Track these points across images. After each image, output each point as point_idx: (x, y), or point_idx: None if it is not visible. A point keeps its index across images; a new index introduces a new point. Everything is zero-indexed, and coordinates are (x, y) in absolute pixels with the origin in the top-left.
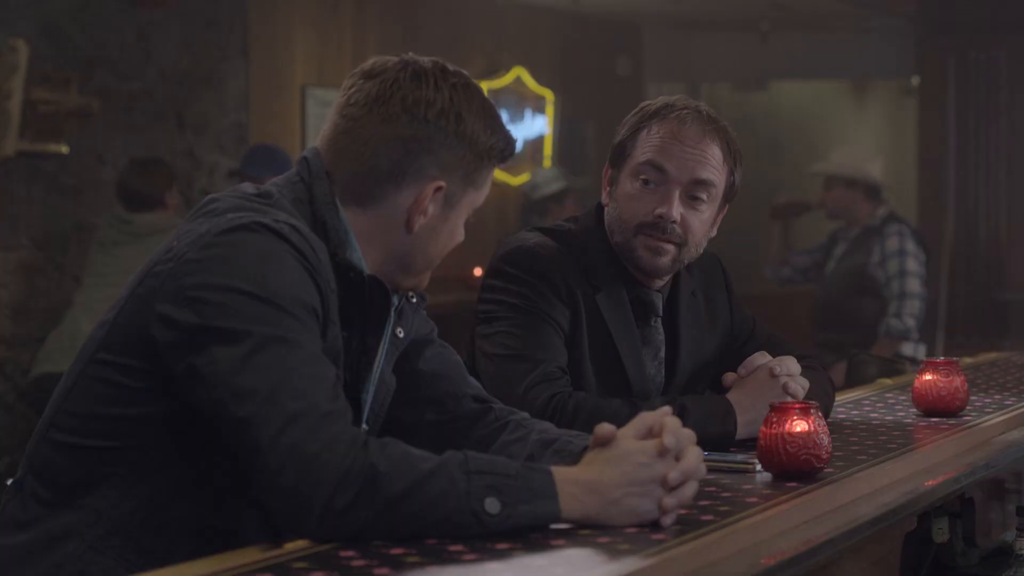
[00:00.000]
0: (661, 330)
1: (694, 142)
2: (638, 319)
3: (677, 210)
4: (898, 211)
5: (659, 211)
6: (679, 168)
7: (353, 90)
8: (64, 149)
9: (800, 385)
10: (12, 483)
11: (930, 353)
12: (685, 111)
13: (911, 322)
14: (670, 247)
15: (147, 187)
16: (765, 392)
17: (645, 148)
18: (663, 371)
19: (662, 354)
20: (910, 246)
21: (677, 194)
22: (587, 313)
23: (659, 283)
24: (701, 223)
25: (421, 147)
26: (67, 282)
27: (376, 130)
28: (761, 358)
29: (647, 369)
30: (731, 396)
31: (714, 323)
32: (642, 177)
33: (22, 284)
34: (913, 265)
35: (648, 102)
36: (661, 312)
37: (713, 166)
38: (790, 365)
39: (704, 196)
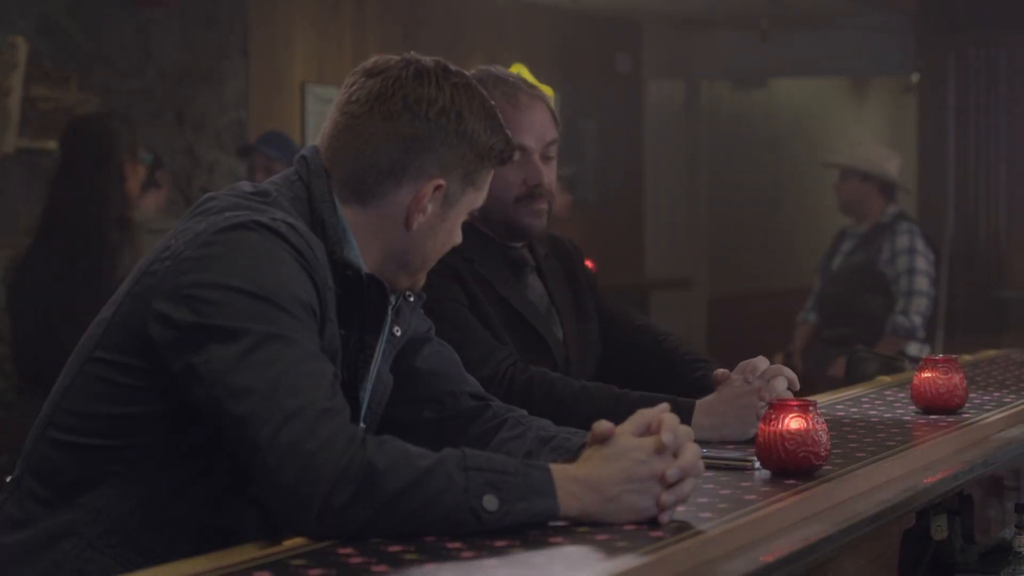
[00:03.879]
0: (538, 280)
1: (532, 108)
2: (517, 277)
3: (546, 176)
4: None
5: (532, 182)
6: (535, 138)
7: (355, 88)
8: None
9: (778, 389)
10: (9, 481)
11: (930, 352)
12: (503, 85)
13: (918, 320)
14: (545, 207)
15: None
16: (735, 401)
17: None
18: (553, 313)
19: (547, 300)
20: (920, 245)
21: (538, 160)
22: (475, 281)
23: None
24: (555, 173)
25: (422, 145)
26: None
27: (377, 127)
28: (761, 363)
29: (542, 313)
30: (706, 398)
31: (581, 287)
32: None
33: None
34: (923, 263)
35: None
36: (533, 263)
37: (551, 122)
38: (775, 377)
39: (554, 152)
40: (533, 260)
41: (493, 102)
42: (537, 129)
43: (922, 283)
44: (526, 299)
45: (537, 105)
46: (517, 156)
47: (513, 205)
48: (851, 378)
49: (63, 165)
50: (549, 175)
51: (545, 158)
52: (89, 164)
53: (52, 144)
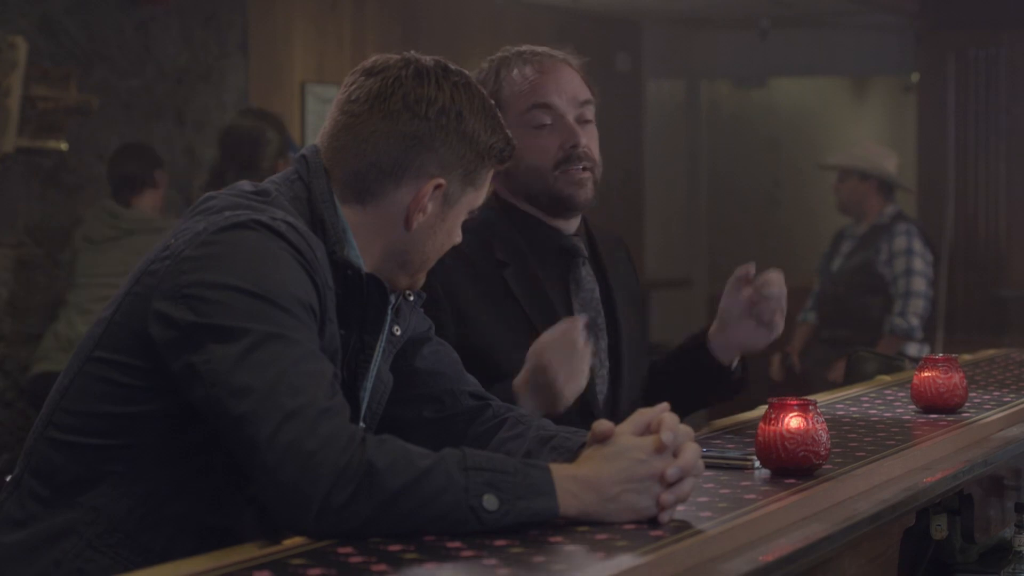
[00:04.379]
0: (591, 273)
1: (557, 70)
2: (567, 266)
3: (582, 135)
4: (904, 209)
5: (568, 144)
6: (561, 96)
7: (354, 87)
8: (63, 146)
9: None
10: (9, 481)
11: (930, 351)
12: (529, 53)
13: (915, 321)
14: (587, 175)
15: (137, 168)
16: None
17: (519, 96)
18: (603, 312)
19: (597, 294)
20: (918, 245)
21: (572, 120)
22: (494, 293)
23: (572, 227)
24: (596, 140)
25: (421, 144)
26: (65, 279)
27: (377, 126)
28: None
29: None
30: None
31: (628, 284)
32: (532, 125)
33: (20, 280)
34: (920, 264)
35: (485, 64)
36: (587, 253)
37: (583, 85)
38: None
39: (591, 115)
40: (589, 250)
41: (520, 71)
42: (567, 90)
43: (919, 284)
44: (553, 312)
45: (565, 67)
46: (547, 121)
47: (552, 173)
48: (851, 378)
49: (217, 169)
50: (588, 141)
51: (581, 121)
52: (244, 166)
53: (52, 143)
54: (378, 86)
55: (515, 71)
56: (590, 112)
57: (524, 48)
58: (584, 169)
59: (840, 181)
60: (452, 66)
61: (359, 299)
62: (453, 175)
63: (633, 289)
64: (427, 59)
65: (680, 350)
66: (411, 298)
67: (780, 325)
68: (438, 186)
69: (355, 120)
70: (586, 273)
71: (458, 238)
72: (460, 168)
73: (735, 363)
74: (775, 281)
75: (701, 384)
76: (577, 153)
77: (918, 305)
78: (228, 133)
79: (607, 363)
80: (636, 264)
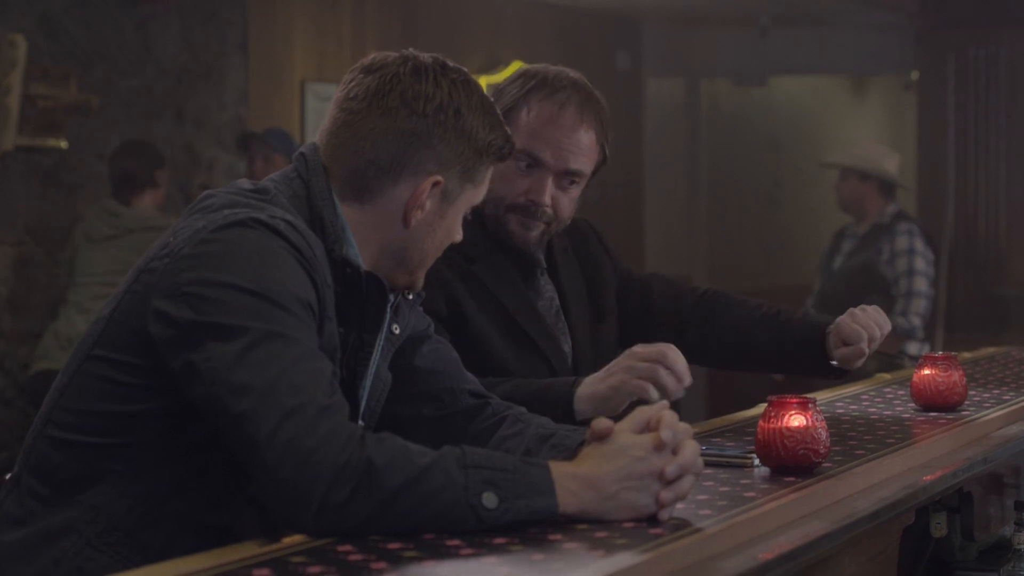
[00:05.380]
0: (550, 282)
1: (570, 130)
2: (525, 277)
3: (549, 196)
4: (904, 208)
5: (531, 197)
6: (554, 158)
7: (353, 84)
8: (63, 144)
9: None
10: (9, 479)
11: (930, 350)
12: (563, 92)
13: (916, 321)
14: (540, 224)
15: (138, 167)
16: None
17: (522, 133)
18: (563, 319)
19: (557, 302)
20: (919, 245)
21: (550, 180)
22: (468, 287)
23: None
24: (570, 201)
25: (419, 141)
26: (65, 277)
27: (375, 123)
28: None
29: (546, 321)
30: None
31: (600, 276)
32: (516, 159)
33: (20, 279)
34: (921, 264)
35: (527, 70)
36: (545, 264)
37: (586, 154)
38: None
39: (575, 181)
40: (546, 260)
41: (539, 108)
42: (563, 154)
43: (921, 284)
44: (528, 307)
45: (579, 128)
46: (525, 166)
47: (507, 208)
48: (851, 377)
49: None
50: (560, 200)
51: (564, 185)
52: None
53: (51, 142)
54: (376, 83)
55: (534, 108)
56: (578, 183)
57: (561, 79)
58: (537, 220)
59: (841, 180)
60: (451, 63)
61: (358, 297)
62: (451, 172)
63: (608, 275)
64: (425, 56)
65: (793, 331)
66: (410, 296)
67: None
68: (436, 183)
69: (354, 117)
70: (544, 282)
71: (458, 236)
72: (459, 165)
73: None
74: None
75: (800, 365)
76: (535, 211)
77: (920, 305)
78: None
79: (566, 364)
80: (634, 260)
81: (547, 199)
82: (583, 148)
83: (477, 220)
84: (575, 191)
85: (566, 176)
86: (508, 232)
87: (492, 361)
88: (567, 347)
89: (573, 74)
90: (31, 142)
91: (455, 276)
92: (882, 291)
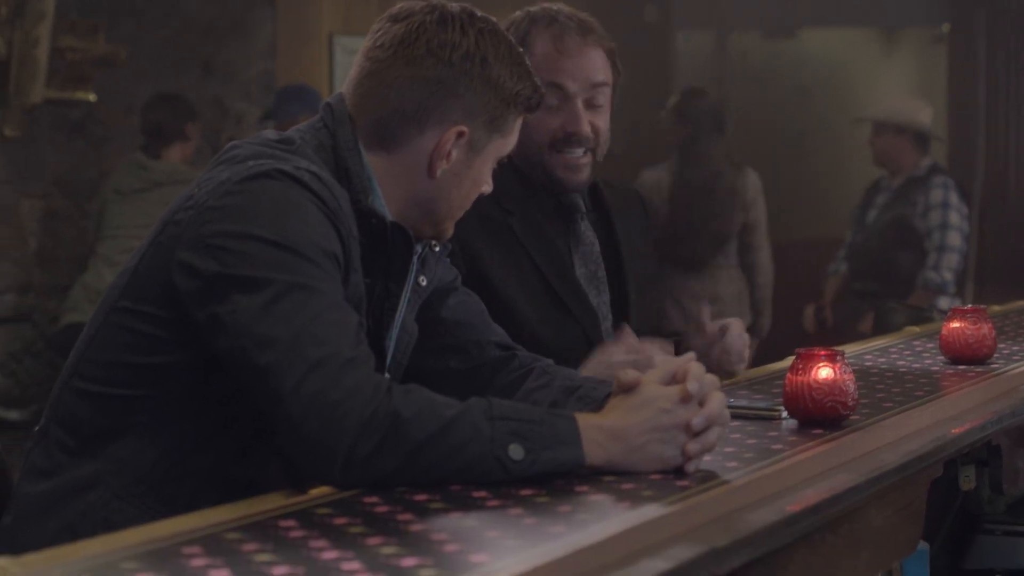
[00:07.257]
0: (591, 228)
1: (578, 50)
2: (565, 224)
3: (586, 122)
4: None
5: (570, 128)
6: (575, 80)
7: (380, 33)
8: (91, 97)
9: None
10: (36, 431)
11: (961, 304)
12: (556, 24)
13: (948, 275)
14: (586, 160)
15: (169, 119)
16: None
17: (535, 68)
18: (603, 267)
19: (597, 248)
20: (954, 199)
21: (580, 106)
22: (497, 243)
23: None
24: (606, 121)
25: (445, 90)
26: (93, 230)
27: (401, 72)
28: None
29: (578, 282)
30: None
31: (642, 237)
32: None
33: (49, 232)
34: (955, 218)
35: (510, 21)
36: (584, 209)
37: (601, 67)
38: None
39: (603, 97)
40: (595, 205)
41: (541, 44)
42: (582, 72)
43: (954, 239)
44: (561, 266)
45: (586, 47)
46: (555, 102)
47: (548, 151)
48: (879, 330)
49: None
50: (596, 121)
51: (592, 105)
52: None
53: (80, 94)
54: (403, 32)
55: (538, 43)
56: (604, 95)
57: (555, 9)
58: (585, 153)
59: (876, 135)
60: (479, 13)
61: (384, 248)
62: (478, 122)
63: (646, 241)
64: (453, 5)
65: None
66: (437, 248)
67: (743, 366)
68: (461, 133)
69: (380, 66)
70: (585, 228)
71: (488, 187)
72: (485, 115)
73: None
74: (736, 327)
75: None
76: (576, 139)
77: (952, 259)
78: None
79: (609, 317)
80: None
81: (585, 126)
82: (597, 63)
83: (514, 171)
84: (606, 111)
85: (593, 92)
86: (556, 180)
87: (514, 323)
88: (604, 297)
89: (554, 5)
90: (59, 95)
91: (485, 232)
92: (914, 245)
